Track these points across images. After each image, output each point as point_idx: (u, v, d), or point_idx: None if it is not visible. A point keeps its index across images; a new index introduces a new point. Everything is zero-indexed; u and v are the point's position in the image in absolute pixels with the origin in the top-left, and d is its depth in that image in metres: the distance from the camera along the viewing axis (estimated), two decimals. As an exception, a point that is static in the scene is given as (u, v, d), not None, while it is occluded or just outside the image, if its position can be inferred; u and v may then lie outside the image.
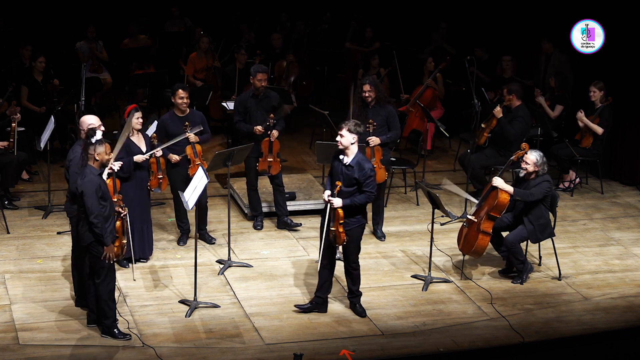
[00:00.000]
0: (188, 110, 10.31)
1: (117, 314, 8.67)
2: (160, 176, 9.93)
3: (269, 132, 10.64)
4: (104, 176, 8.80)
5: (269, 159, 10.72)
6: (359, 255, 8.87)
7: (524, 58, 14.68)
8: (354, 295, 8.99)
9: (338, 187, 8.55)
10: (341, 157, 8.69)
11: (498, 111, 11.58)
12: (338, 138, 8.69)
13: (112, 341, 8.29)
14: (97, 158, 8.16)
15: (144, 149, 9.71)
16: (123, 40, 15.62)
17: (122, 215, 8.46)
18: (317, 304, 8.95)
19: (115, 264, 8.55)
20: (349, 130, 8.61)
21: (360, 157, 8.61)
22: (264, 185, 11.39)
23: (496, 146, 11.79)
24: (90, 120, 8.96)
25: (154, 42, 15.92)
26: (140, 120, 9.72)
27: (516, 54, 14.45)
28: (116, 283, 9.35)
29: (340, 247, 8.90)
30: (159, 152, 9.87)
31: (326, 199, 8.58)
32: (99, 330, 8.43)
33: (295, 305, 8.97)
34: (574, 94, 13.40)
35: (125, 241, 8.55)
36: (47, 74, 13.13)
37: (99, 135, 8.54)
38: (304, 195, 11.60)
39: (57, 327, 8.54)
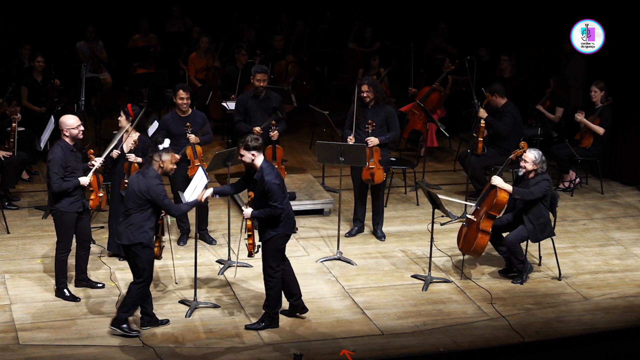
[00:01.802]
0: (190, 111, 10.31)
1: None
2: (127, 181, 9.63)
3: (270, 132, 10.61)
4: (87, 178, 8.96)
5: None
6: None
7: (525, 57, 14.67)
8: (264, 312, 8.68)
9: (250, 197, 8.54)
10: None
11: (482, 112, 11.56)
12: (239, 157, 8.53)
13: (113, 341, 8.29)
14: (162, 165, 8.29)
15: (125, 148, 9.69)
16: (133, 36, 15.61)
17: (161, 215, 8.49)
18: (295, 307, 8.86)
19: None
20: (245, 148, 8.42)
21: (264, 170, 8.35)
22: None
23: (495, 145, 11.78)
24: (69, 121, 9.00)
25: (158, 42, 15.93)
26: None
27: (517, 53, 14.44)
28: (117, 283, 9.41)
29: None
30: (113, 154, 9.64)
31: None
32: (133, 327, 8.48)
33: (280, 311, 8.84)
34: (574, 94, 13.41)
35: (165, 241, 8.63)
36: (47, 74, 13.14)
37: (166, 143, 8.61)
38: (304, 195, 11.60)
39: (57, 327, 8.55)
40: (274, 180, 8.31)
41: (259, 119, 10.65)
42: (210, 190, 8.62)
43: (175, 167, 8.49)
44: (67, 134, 8.97)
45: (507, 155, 10.34)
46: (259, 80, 10.70)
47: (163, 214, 8.53)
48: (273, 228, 8.43)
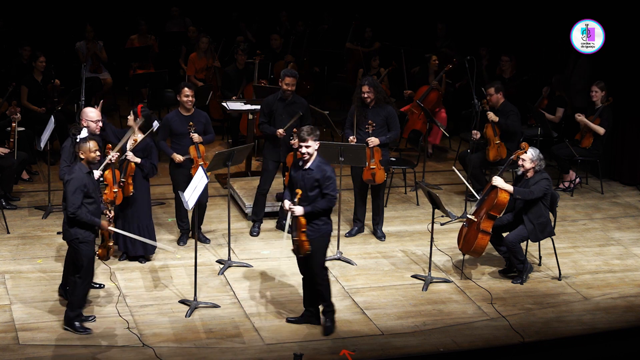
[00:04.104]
0: (193, 110, 10.30)
1: (118, 314, 8.73)
2: (123, 180, 9.67)
3: (291, 140, 10.49)
4: (98, 171, 8.90)
5: None
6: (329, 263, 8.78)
7: (524, 57, 14.68)
8: (325, 311, 8.69)
9: (298, 194, 8.29)
10: (300, 163, 8.42)
11: (493, 116, 11.52)
12: (304, 149, 8.31)
13: (113, 341, 8.29)
14: (81, 156, 8.27)
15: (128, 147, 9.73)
16: (130, 37, 15.63)
17: (108, 218, 8.50)
18: (308, 316, 8.79)
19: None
20: (315, 140, 8.33)
21: (319, 160, 8.37)
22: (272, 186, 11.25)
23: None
24: (90, 113, 9.19)
25: (156, 42, 15.95)
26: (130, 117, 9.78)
27: (518, 53, 14.44)
28: (117, 283, 9.42)
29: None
30: (128, 154, 9.65)
31: (287, 208, 8.37)
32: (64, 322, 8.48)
33: (287, 319, 8.79)
34: (579, 94, 13.40)
35: (111, 243, 8.64)
36: (47, 73, 13.14)
37: (84, 133, 8.61)
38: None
39: (57, 327, 8.53)
40: (332, 169, 8.34)
41: (284, 122, 10.54)
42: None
43: (98, 155, 8.41)
44: (85, 124, 9.16)
45: (509, 156, 10.33)
46: (287, 84, 10.54)
47: (110, 217, 8.54)
48: (325, 222, 8.38)
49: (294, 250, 8.45)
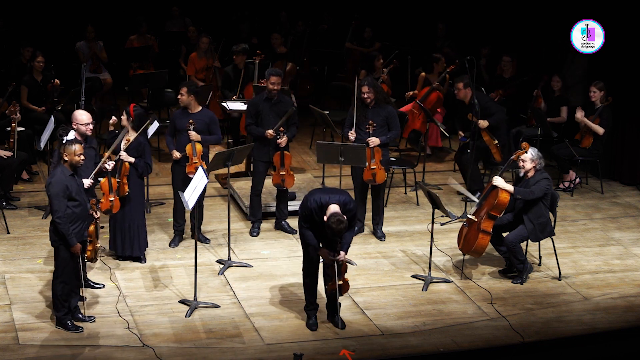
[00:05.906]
0: (199, 108, 10.30)
1: (118, 314, 8.73)
2: (119, 180, 9.68)
3: (278, 139, 10.49)
4: (89, 180, 8.89)
5: (281, 172, 10.58)
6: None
7: (524, 57, 14.68)
8: (338, 306, 8.74)
9: (339, 243, 8.30)
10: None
11: (484, 122, 11.43)
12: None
13: (113, 341, 8.30)
14: (66, 158, 8.24)
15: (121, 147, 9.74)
16: (129, 37, 15.64)
17: (96, 219, 8.49)
18: (332, 315, 8.84)
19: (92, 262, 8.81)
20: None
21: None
22: (267, 185, 11.27)
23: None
24: (80, 117, 9.16)
25: (156, 42, 15.95)
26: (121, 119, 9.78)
27: (517, 53, 14.44)
28: (117, 283, 9.41)
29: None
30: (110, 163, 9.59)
31: (327, 257, 8.31)
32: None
33: (310, 325, 8.70)
34: (575, 90, 13.41)
35: (99, 245, 8.62)
36: (47, 73, 13.14)
37: (71, 135, 8.61)
38: (304, 195, 11.55)
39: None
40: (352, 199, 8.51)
41: (271, 122, 10.51)
42: None
43: (82, 159, 8.32)
44: (75, 127, 9.17)
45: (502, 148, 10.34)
46: (273, 84, 10.51)
47: (97, 218, 8.53)
48: None
49: (334, 294, 8.48)
